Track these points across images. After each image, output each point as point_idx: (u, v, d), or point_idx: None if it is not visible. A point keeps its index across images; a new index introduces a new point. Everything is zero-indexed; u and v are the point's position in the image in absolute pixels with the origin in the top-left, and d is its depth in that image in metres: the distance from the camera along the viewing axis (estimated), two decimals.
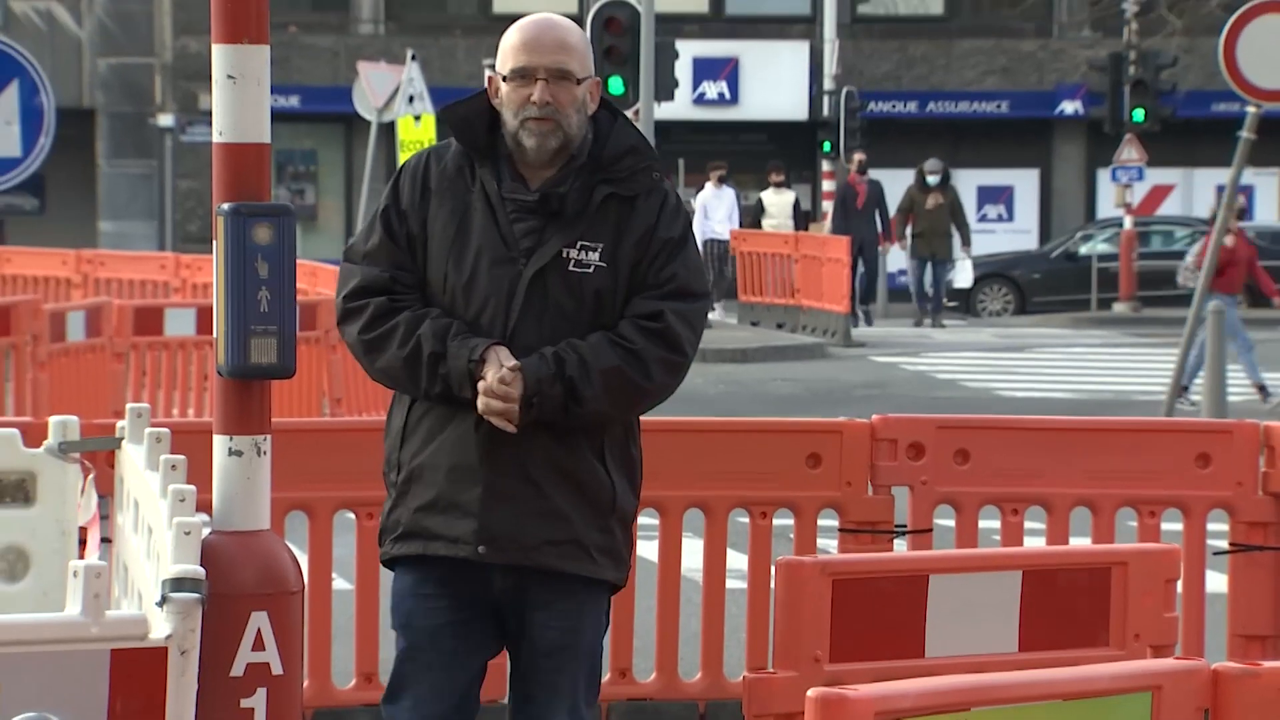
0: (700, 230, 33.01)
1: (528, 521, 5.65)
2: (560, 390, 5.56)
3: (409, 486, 5.74)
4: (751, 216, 34.77)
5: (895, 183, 34.51)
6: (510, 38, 5.71)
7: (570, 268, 5.65)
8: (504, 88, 5.69)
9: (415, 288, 5.74)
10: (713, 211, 33.73)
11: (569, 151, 5.70)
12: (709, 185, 34.32)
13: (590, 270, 5.65)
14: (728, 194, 34.09)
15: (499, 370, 5.56)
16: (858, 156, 34.56)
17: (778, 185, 35.02)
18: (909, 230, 34.17)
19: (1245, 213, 32.24)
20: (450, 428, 5.68)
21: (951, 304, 34.49)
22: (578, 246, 5.65)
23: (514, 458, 5.63)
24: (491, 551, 5.65)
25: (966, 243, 34.07)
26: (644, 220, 5.68)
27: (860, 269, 33.28)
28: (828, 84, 39.34)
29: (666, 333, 5.64)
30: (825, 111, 38.81)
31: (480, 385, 5.56)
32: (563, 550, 5.66)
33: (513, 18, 5.92)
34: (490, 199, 5.69)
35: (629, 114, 29.31)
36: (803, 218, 34.99)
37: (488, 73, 5.89)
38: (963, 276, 34.55)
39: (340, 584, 8.39)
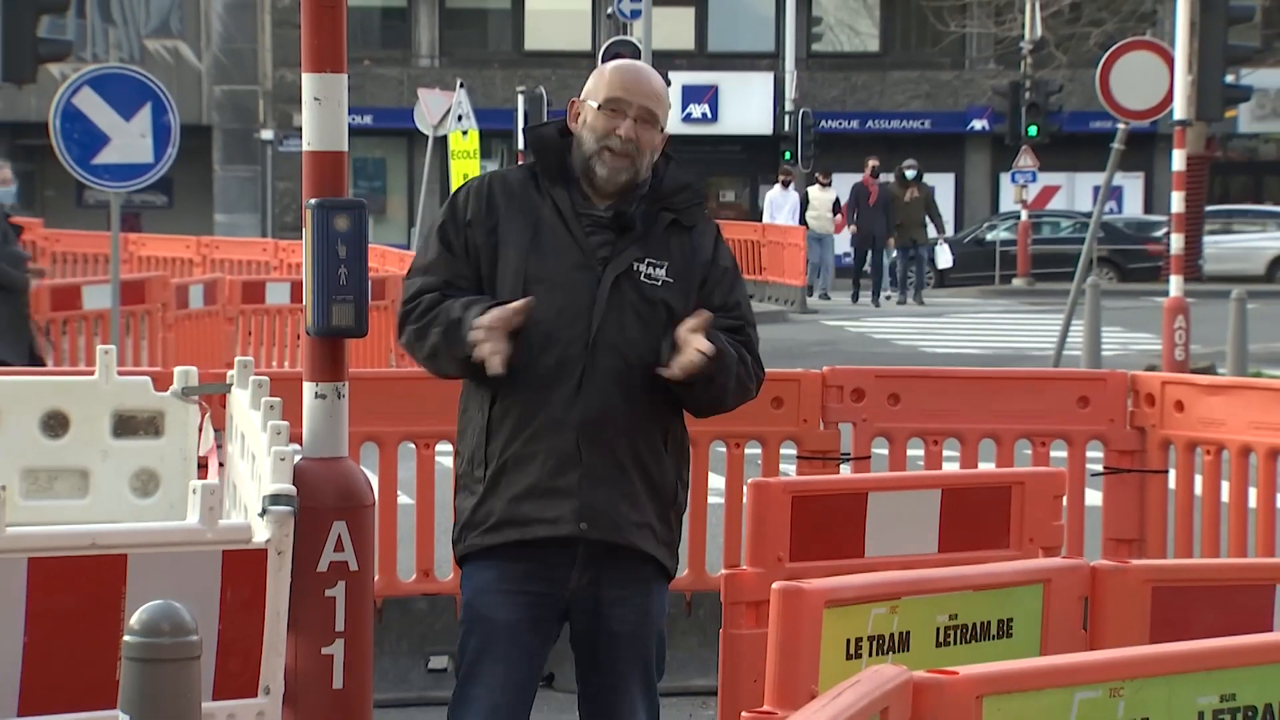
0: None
1: (620, 503, 4.87)
2: (727, 373, 4.88)
3: (501, 478, 4.89)
4: (800, 212, 32.82)
5: (841, 183, 34.23)
6: (609, 73, 4.96)
7: (641, 279, 4.90)
8: (592, 114, 4.91)
9: (470, 292, 4.91)
10: (778, 209, 32.32)
11: (634, 187, 4.96)
12: (776, 186, 32.96)
13: (659, 284, 4.91)
14: (791, 195, 32.55)
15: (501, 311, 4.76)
16: (871, 162, 31.86)
17: (822, 185, 33.10)
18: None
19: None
20: (540, 417, 4.85)
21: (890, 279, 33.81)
22: (646, 262, 4.91)
23: (605, 444, 4.85)
24: (592, 528, 4.84)
25: (941, 230, 32.37)
26: (704, 247, 4.99)
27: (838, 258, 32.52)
28: (788, 106, 39.24)
29: (750, 345, 5.02)
30: (786, 128, 38.68)
31: (482, 320, 4.74)
32: (643, 533, 4.92)
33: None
34: (563, 212, 4.92)
35: None
36: (838, 212, 32.93)
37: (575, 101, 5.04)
38: (943, 259, 32.85)
39: (403, 499, 8.37)
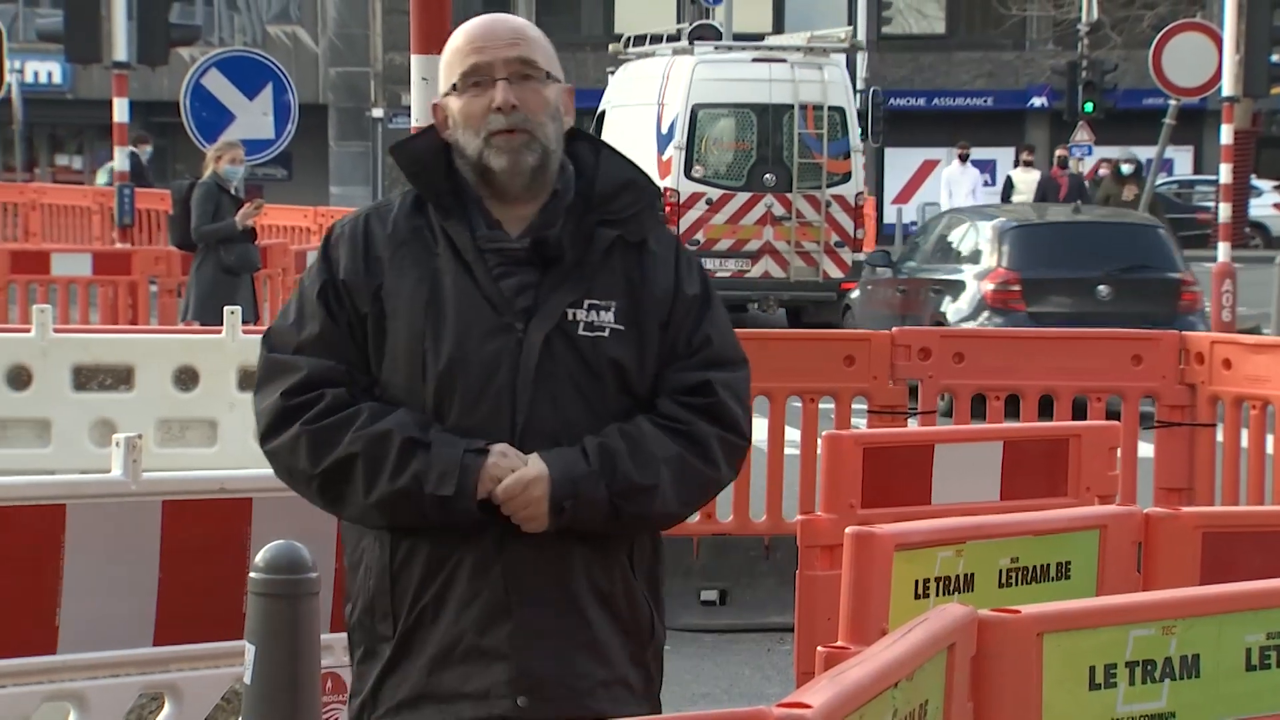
0: (946, 205, 27.06)
1: (576, 658, 3.26)
2: (604, 492, 3.19)
3: (415, 636, 3.27)
4: (1003, 193, 26.99)
5: (907, 158, 33.98)
6: (454, 42, 3.34)
7: (581, 332, 3.24)
8: (456, 104, 3.29)
9: (370, 391, 3.26)
10: (956, 188, 27.24)
11: (549, 178, 3.30)
12: (955, 163, 28.19)
13: (605, 334, 3.25)
14: (971, 171, 27.73)
15: (512, 461, 3.19)
16: (1059, 152, 27.32)
17: (1026, 165, 27.43)
18: None
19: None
20: (462, 553, 3.23)
21: None
22: (585, 305, 3.25)
23: (550, 580, 3.24)
24: (535, 702, 3.23)
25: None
26: (664, 271, 3.31)
27: None
28: (859, 84, 39.01)
29: (718, 408, 3.28)
30: (857, 105, 38.45)
31: (502, 487, 3.18)
32: (614, 693, 3.28)
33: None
34: (463, 254, 3.25)
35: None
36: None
37: (435, 101, 3.39)
38: None
39: None
